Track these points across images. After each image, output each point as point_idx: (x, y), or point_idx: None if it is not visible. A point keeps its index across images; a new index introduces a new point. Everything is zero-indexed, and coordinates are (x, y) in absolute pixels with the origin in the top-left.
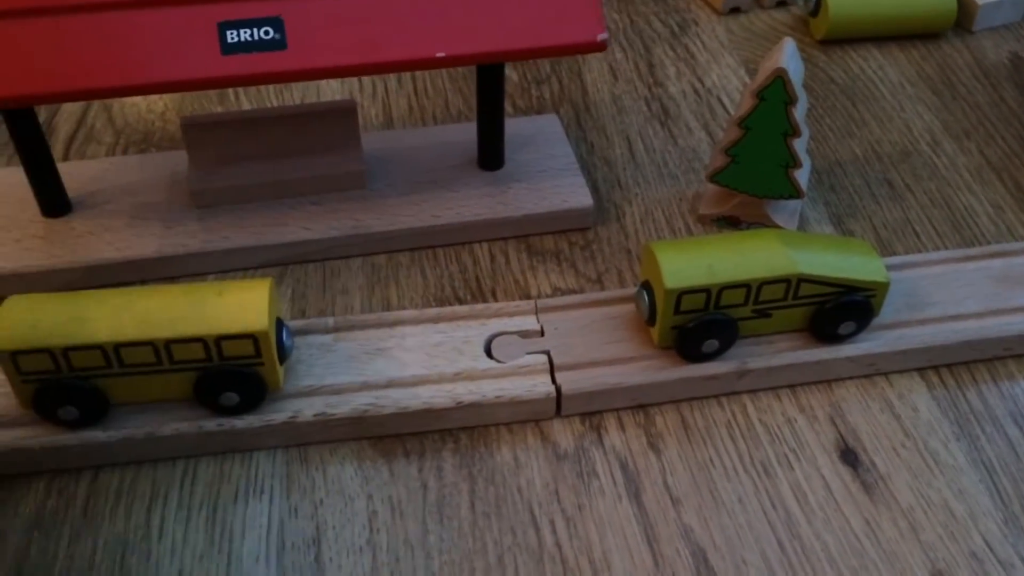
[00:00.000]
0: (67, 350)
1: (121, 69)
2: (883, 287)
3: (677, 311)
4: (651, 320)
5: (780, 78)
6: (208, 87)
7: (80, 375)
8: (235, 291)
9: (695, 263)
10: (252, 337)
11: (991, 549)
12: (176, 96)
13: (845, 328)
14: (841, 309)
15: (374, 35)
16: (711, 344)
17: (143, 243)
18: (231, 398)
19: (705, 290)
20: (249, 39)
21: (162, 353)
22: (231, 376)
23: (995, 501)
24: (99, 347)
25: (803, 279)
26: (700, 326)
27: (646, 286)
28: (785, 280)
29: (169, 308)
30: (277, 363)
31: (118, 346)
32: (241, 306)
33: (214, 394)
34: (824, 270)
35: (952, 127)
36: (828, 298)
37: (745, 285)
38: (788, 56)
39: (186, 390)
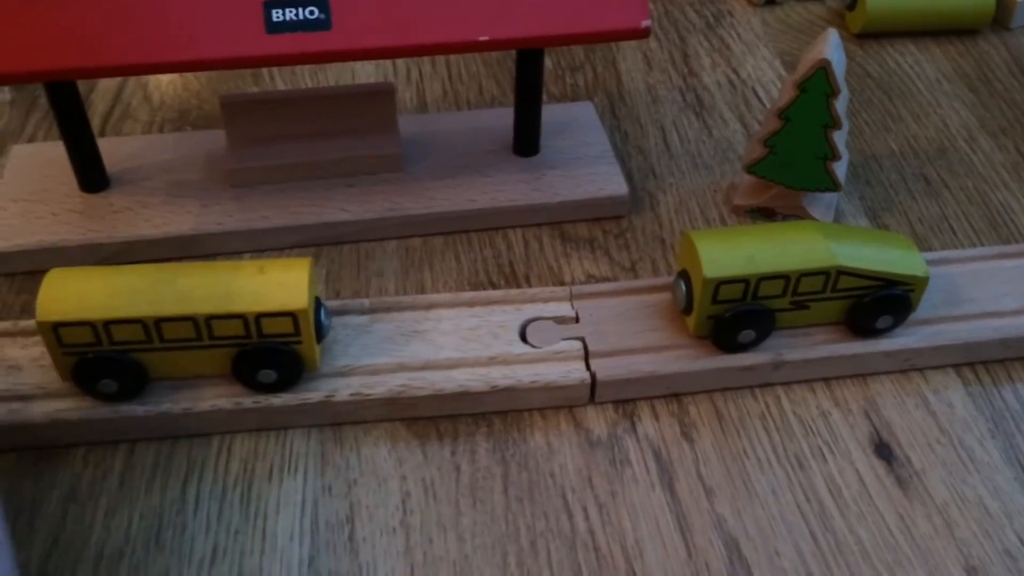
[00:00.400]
0: (108, 323)
1: (165, 45)
2: (922, 282)
3: (715, 300)
4: (687, 309)
5: (823, 69)
6: (252, 66)
7: (120, 349)
8: (276, 269)
9: (734, 253)
10: (291, 315)
11: None
12: (212, 75)
13: (883, 322)
14: (879, 303)
15: (417, 17)
16: (747, 335)
17: (179, 220)
18: (269, 375)
19: (744, 280)
20: (294, 18)
21: (202, 329)
22: (269, 353)
23: None
24: (140, 321)
25: (842, 271)
26: (737, 316)
27: (683, 275)
28: (824, 272)
29: (210, 284)
30: (315, 342)
31: (159, 320)
32: (281, 284)
33: (252, 371)
34: (863, 263)
35: (989, 124)
36: (867, 292)
37: (784, 276)
38: (832, 47)
39: (224, 366)
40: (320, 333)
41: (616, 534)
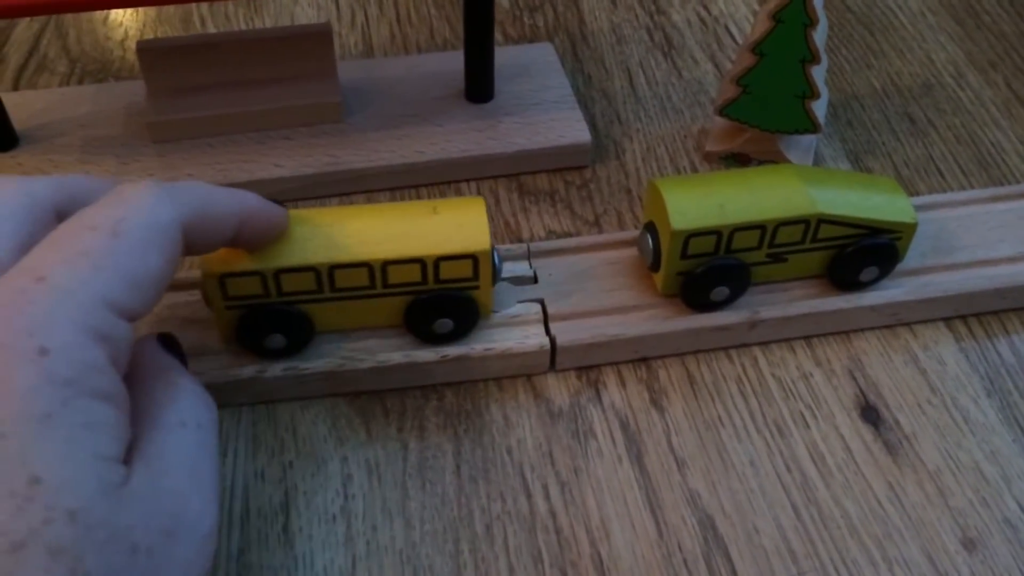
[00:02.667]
0: (279, 272)
1: None
2: (910, 228)
3: (684, 255)
4: (655, 266)
5: None
6: (161, 3)
7: (289, 300)
8: (449, 209)
9: (704, 202)
10: (472, 257)
11: None
12: (137, 21)
13: (867, 274)
14: (863, 253)
15: None
16: (721, 292)
17: None
18: (445, 324)
19: (715, 232)
20: None
21: (377, 276)
22: (447, 301)
23: None
24: (313, 269)
25: (823, 220)
26: (709, 272)
27: (649, 228)
28: (804, 221)
29: (384, 228)
30: (491, 286)
31: (333, 268)
32: (460, 225)
33: (428, 320)
34: (846, 210)
35: (977, 58)
36: (850, 241)
37: (760, 226)
38: None
39: (395, 316)
40: (495, 277)
41: (580, 514)
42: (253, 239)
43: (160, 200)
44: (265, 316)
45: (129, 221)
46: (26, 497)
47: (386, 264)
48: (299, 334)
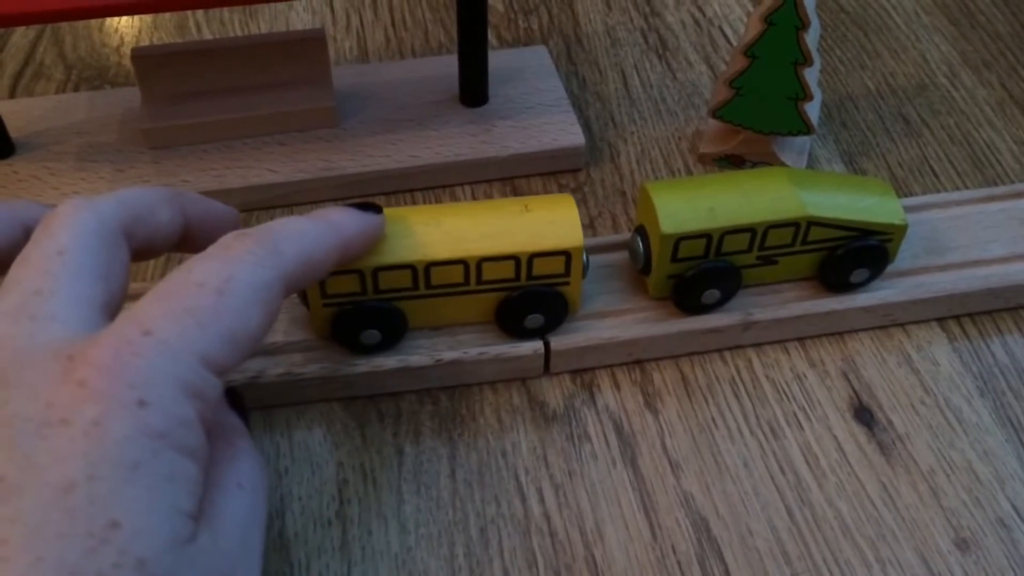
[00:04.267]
0: (377, 270)
1: None
2: (900, 230)
3: (675, 259)
4: (645, 269)
5: None
6: (153, 10)
7: (384, 297)
8: (541, 207)
9: (695, 205)
10: (566, 254)
11: (1019, 515)
12: (133, 28)
13: (858, 276)
14: (853, 255)
15: None
16: (712, 294)
17: (91, 187)
18: (536, 320)
19: (706, 235)
20: None
21: (471, 272)
22: (538, 297)
23: (1023, 462)
24: (410, 266)
25: (813, 222)
26: (700, 275)
27: (640, 231)
28: (794, 224)
29: (478, 225)
30: (581, 282)
31: (429, 265)
32: (552, 222)
33: (520, 316)
34: (836, 212)
35: (971, 58)
36: (840, 243)
37: (750, 229)
38: None
39: (488, 312)
40: (584, 273)
41: (574, 517)
42: (353, 259)
43: (266, 257)
44: (362, 313)
45: (235, 281)
46: (102, 539)
47: (481, 261)
48: (394, 330)
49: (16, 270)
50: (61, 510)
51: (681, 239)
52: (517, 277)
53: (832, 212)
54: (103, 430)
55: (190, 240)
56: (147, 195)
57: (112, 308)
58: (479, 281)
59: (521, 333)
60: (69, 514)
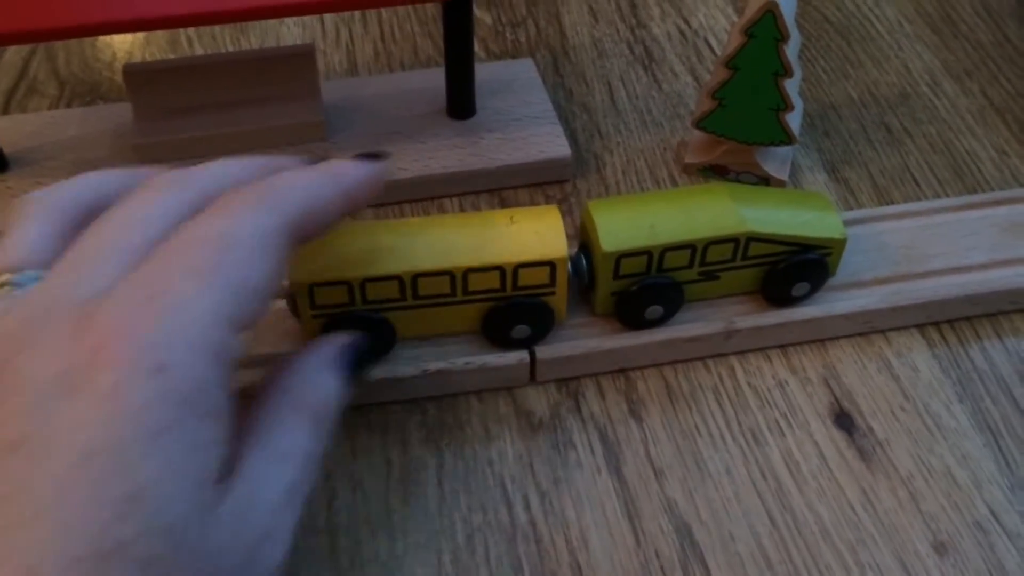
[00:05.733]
0: (365, 281)
1: (47, 9)
2: (839, 244)
3: (617, 275)
4: (590, 285)
5: (770, 12)
6: (144, 28)
7: (373, 308)
8: (527, 218)
9: (635, 223)
10: (550, 264)
11: (996, 519)
12: (125, 43)
13: (799, 290)
14: (794, 269)
15: None
16: (655, 310)
17: None
18: (523, 331)
19: (646, 252)
20: None
21: (458, 283)
22: (524, 307)
23: (1000, 467)
24: (397, 277)
25: (752, 238)
26: (641, 291)
27: (584, 249)
28: (733, 239)
29: (464, 236)
30: (566, 293)
31: (416, 276)
32: (537, 233)
33: (506, 326)
34: (775, 228)
35: (953, 67)
36: (780, 258)
37: (690, 246)
38: None
39: (474, 322)
40: (570, 283)
41: (559, 524)
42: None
43: (266, 208)
44: (350, 324)
45: (237, 234)
46: (126, 507)
47: (467, 272)
48: (382, 341)
49: (88, 229)
50: (84, 477)
51: (622, 256)
52: (503, 287)
53: (771, 227)
54: (122, 397)
55: (348, 213)
56: (296, 190)
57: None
58: (465, 291)
59: (508, 343)
60: (92, 482)
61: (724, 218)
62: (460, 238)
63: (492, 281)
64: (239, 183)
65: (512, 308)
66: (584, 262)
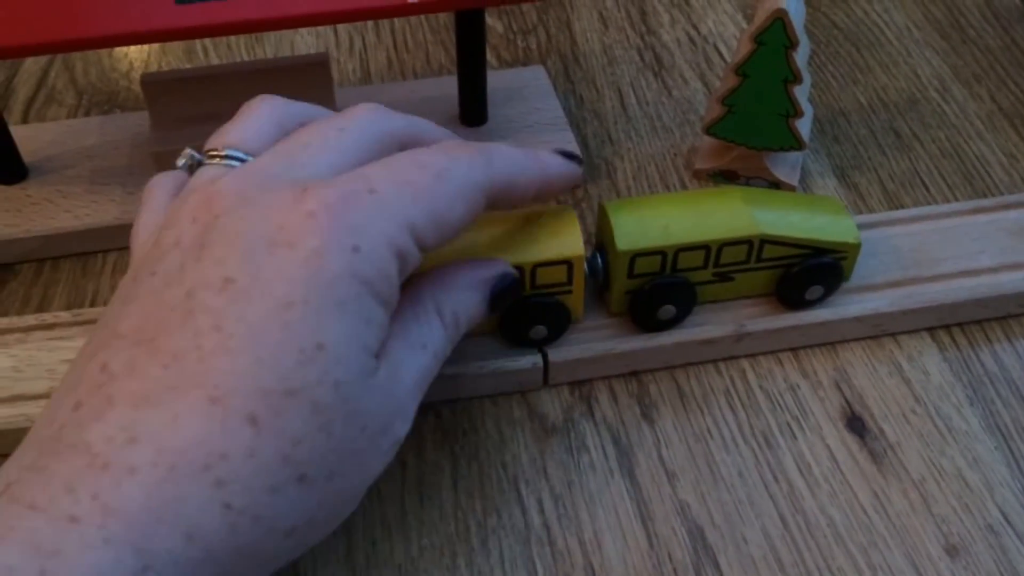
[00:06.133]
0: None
1: (65, 21)
2: (854, 248)
3: (631, 275)
4: (605, 284)
5: (780, 20)
6: (161, 40)
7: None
8: (544, 218)
9: (650, 223)
10: (568, 263)
11: (1008, 521)
12: (142, 53)
13: (812, 293)
14: (808, 272)
15: None
16: (667, 310)
17: (102, 210)
18: (540, 331)
19: (660, 252)
20: None
21: None
22: (542, 306)
23: (1012, 469)
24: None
25: (766, 240)
26: (654, 290)
27: (600, 248)
28: (747, 241)
29: (483, 237)
30: (583, 292)
31: None
32: (554, 232)
33: (524, 326)
34: (789, 231)
35: (962, 72)
36: (795, 261)
37: (704, 247)
38: None
39: (491, 321)
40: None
41: (573, 527)
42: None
43: (480, 163)
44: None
45: (451, 172)
46: (310, 357)
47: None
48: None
49: (300, 129)
50: (280, 322)
51: (637, 255)
52: (522, 287)
53: (785, 230)
54: (322, 262)
55: (536, 200)
56: (510, 158)
57: None
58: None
59: (525, 343)
60: (286, 327)
61: (738, 220)
62: (479, 238)
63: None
64: (430, 136)
65: (530, 307)
66: (600, 261)
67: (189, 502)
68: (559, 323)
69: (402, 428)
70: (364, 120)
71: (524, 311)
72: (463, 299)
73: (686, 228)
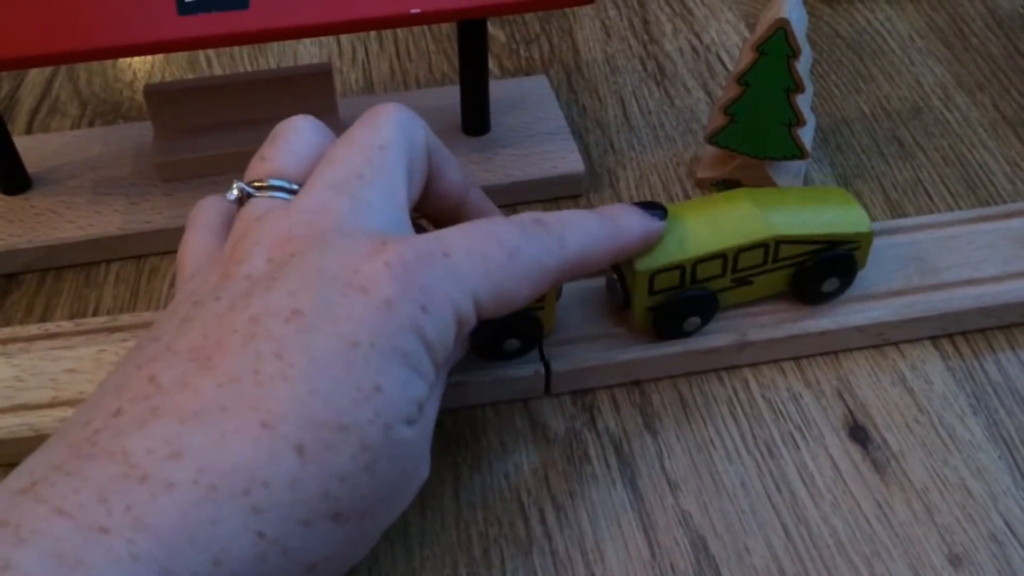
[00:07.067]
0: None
1: (68, 33)
2: (867, 237)
3: (652, 292)
4: (626, 303)
5: (782, 29)
6: (164, 51)
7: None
8: None
9: (665, 239)
10: None
11: (1012, 531)
12: (146, 64)
13: (829, 285)
14: (823, 266)
15: None
16: (692, 322)
17: (106, 220)
18: (513, 344)
19: (679, 267)
20: None
21: None
22: (514, 321)
23: (1016, 479)
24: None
25: (781, 240)
26: (677, 304)
27: (616, 268)
28: (763, 244)
29: None
30: (555, 305)
31: None
32: None
33: (497, 340)
34: (802, 228)
35: (965, 81)
36: (809, 256)
37: (721, 255)
38: (790, 6)
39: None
40: (558, 295)
41: (575, 537)
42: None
43: (555, 246)
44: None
45: (525, 252)
46: (366, 397)
47: None
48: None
49: (341, 149)
50: (342, 360)
51: (656, 273)
52: None
53: (799, 228)
54: (393, 312)
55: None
56: (578, 235)
57: (408, 210)
58: None
59: (498, 356)
60: (348, 366)
61: (751, 224)
62: None
63: None
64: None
65: (502, 322)
66: (618, 281)
67: (223, 525)
68: (532, 336)
69: (426, 469)
70: (398, 128)
71: (498, 326)
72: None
73: (701, 239)
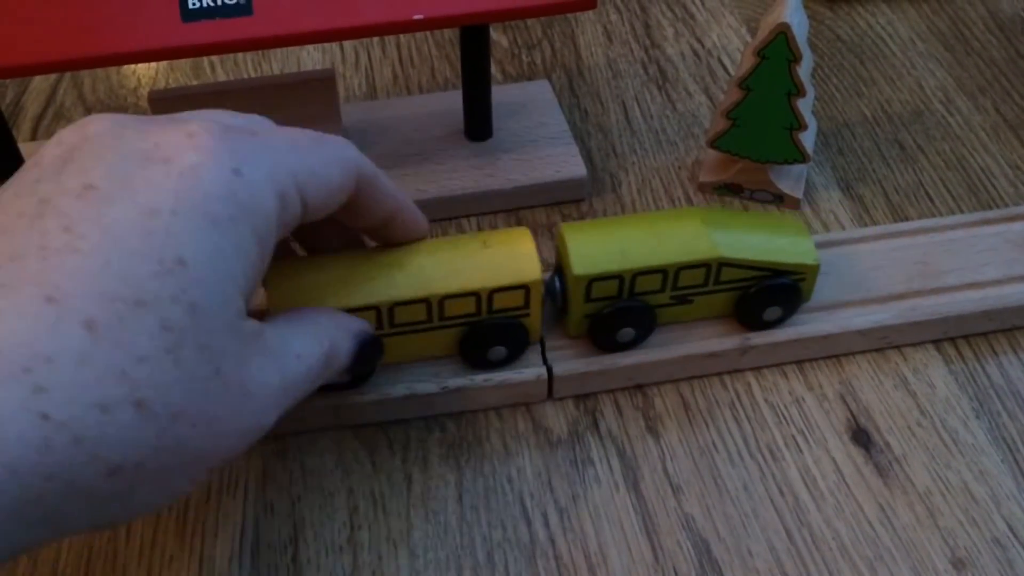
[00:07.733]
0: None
1: (73, 40)
2: (812, 270)
3: (588, 298)
4: (563, 308)
5: (783, 34)
6: (168, 57)
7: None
8: (500, 242)
9: (607, 247)
10: (525, 288)
11: (1015, 534)
12: (150, 70)
13: (770, 314)
14: (765, 294)
15: None
16: (626, 333)
17: None
18: (499, 352)
19: (617, 276)
20: (212, 4)
21: (435, 310)
22: (500, 329)
23: (1019, 482)
24: (374, 307)
25: (724, 263)
26: (613, 314)
27: (558, 272)
28: (705, 264)
29: (440, 263)
30: (541, 313)
31: (393, 305)
32: (511, 257)
33: (482, 349)
34: (747, 253)
35: (966, 84)
36: (753, 282)
37: (661, 270)
38: (791, 10)
39: (450, 347)
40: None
41: (578, 540)
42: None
43: (353, 148)
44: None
45: (329, 140)
46: (168, 270)
47: (444, 299)
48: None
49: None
50: (140, 230)
51: (593, 280)
52: (478, 312)
53: (743, 253)
54: (197, 177)
55: (389, 228)
56: (373, 165)
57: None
58: (441, 317)
59: (484, 364)
60: (146, 236)
61: (696, 243)
62: (435, 265)
63: (468, 306)
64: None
65: (488, 331)
66: (558, 285)
67: None
68: (518, 344)
69: (257, 424)
70: (332, 139)
71: (484, 333)
72: (341, 340)
73: (644, 252)
